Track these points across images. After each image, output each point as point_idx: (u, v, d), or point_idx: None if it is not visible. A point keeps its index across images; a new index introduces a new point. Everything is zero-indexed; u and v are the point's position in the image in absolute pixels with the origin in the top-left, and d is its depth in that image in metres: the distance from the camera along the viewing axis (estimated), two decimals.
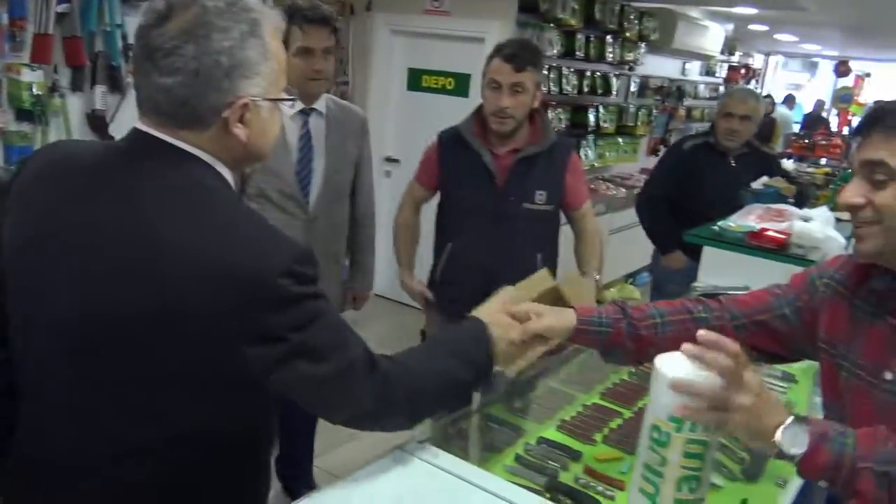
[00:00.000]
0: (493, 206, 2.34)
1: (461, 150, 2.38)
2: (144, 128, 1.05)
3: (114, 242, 1.00)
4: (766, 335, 1.40)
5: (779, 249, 2.43)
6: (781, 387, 2.07)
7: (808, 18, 7.74)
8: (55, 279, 1.03)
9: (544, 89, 4.73)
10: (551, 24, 4.70)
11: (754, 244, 2.47)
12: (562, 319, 1.38)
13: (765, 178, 3.24)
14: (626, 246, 5.20)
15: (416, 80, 4.89)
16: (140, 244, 0.98)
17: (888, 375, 1.18)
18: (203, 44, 0.99)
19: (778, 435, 1.04)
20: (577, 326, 1.38)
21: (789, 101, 10.72)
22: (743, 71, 11.98)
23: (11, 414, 1.11)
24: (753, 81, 13.06)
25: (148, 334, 0.98)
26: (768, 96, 9.95)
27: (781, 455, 1.04)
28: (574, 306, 1.43)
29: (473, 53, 4.46)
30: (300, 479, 2.72)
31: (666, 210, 3.41)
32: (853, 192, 1.17)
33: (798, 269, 2.39)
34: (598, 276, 2.47)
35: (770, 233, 2.46)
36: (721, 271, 2.50)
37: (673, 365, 1.07)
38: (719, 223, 2.63)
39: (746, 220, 2.64)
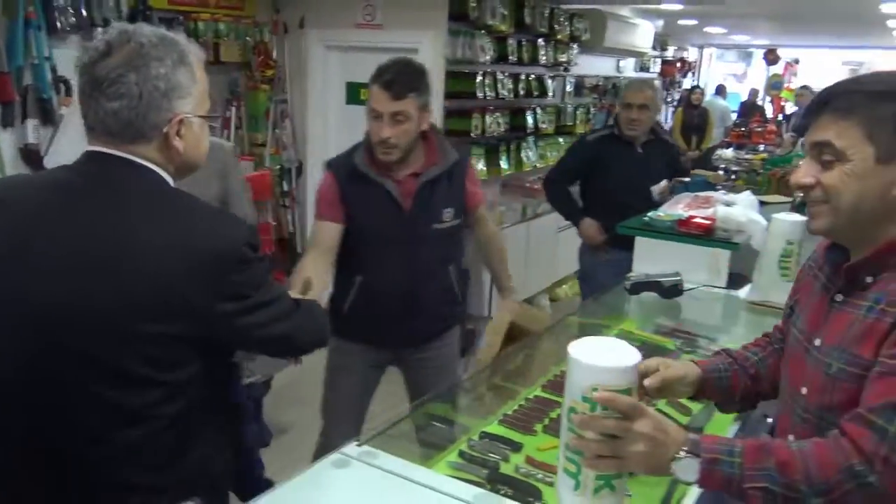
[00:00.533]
0: (402, 233, 2.28)
1: (361, 183, 2.28)
2: (97, 148, 1.23)
3: (98, 243, 1.17)
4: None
5: (705, 235, 2.53)
6: None
7: (732, 11, 8.00)
8: (39, 280, 1.18)
9: (480, 95, 4.82)
10: (482, 31, 4.78)
11: (683, 231, 2.57)
12: (689, 373, 1.49)
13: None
14: (576, 243, 5.30)
15: (354, 93, 4.93)
16: (121, 241, 1.17)
17: (817, 342, 1.26)
18: (143, 72, 1.18)
19: (672, 468, 1.10)
20: (703, 375, 1.48)
21: (721, 91, 11.01)
22: (679, 65, 12.29)
23: None
24: (690, 74, 13.41)
25: (140, 314, 1.16)
26: (697, 87, 10.20)
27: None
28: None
29: None
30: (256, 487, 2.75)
31: (564, 188, 3.65)
32: (804, 173, 1.23)
33: (724, 253, 2.54)
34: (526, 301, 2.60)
35: (697, 219, 2.56)
36: (654, 259, 2.59)
37: (585, 350, 1.13)
38: (649, 214, 2.73)
39: (675, 208, 2.74)
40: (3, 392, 1.21)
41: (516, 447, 1.65)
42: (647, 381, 1.41)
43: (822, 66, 17.70)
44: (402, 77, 2.17)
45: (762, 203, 3.01)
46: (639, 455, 1.10)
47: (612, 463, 1.11)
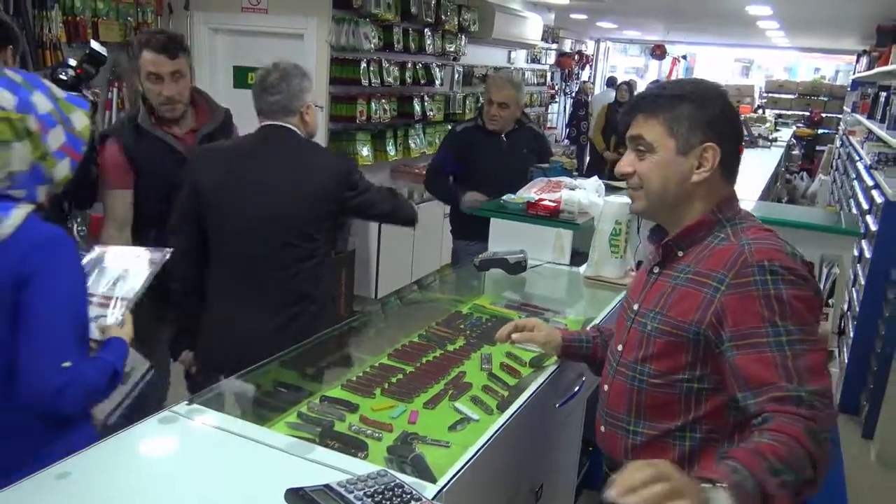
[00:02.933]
0: None
1: (146, 140, 2.44)
2: (267, 122, 2.26)
3: (285, 171, 2.23)
4: None
5: (551, 216, 2.74)
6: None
7: (617, 7, 8.38)
8: (243, 201, 2.21)
9: (364, 82, 4.92)
10: (367, 19, 4.87)
11: (532, 213, 2.77)
12: (553, 337, 1.85)
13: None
14: None
15: (241, 77, 4.93)
16: (297, 168, 2.24)
17: (636, 307, 1.51)
18: (289, 81, 2.24)
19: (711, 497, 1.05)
20: (564, 343, 1.84)
21: (612, 83, 11.49)
22: (576, 57, 12.71)
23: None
24: (588, 67, 13.88)
25: (314, 203, 2.25)
26: (587, 81, 10.61)
27: None
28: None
29: (295, 49, 4.58)
30: None
31: (441, 179, 3.78)
32: (625, 163, 1.47)
33: (567, 233, 2.76)
34: None
35: (545, 202, 2.77)
36: (507, 239, 2.77)
37: None
38: (504, 197, 2.92)
39: (529, 192, 2.95)
40: (250, 255, 2.22)
41: (353, 408, 1.77)
42: (514, 336, 1.85)
43: (716, 62, 18.69)
44: (171, 41, 2.42)
45: (613, 188, 3.26)
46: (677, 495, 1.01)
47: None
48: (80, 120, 1.52)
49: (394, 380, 1.94)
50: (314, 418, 1.72)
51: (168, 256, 1.85)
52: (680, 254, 1.46)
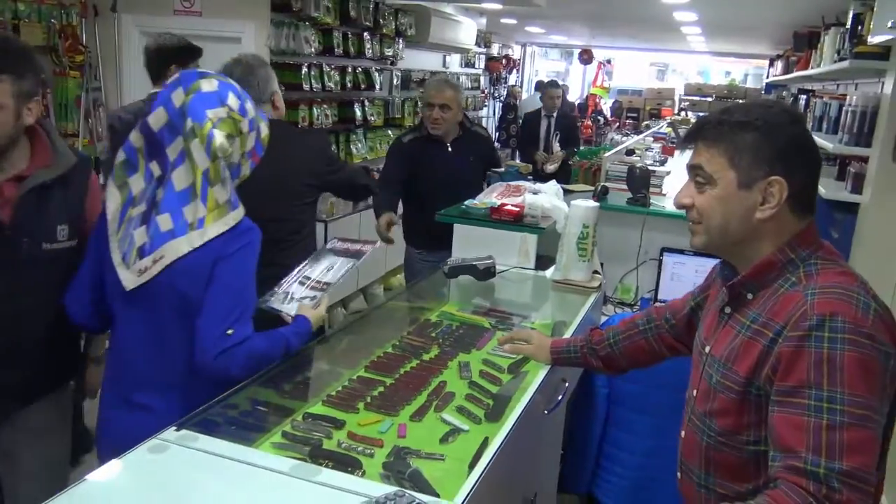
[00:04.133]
0: (1, 252, 1.75)
1: None
2: None
3: (277, 162, 2.12)
4: (690, 328, 1.63)
5: (515, 221, 2.73)
6: None
7: (549, 12, 8.53)
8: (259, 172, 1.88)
9: (306, 87, 4.82)
10: (306, 23, 4.78)
11: (495, 218, 2.76)
12: (542, 350, 1.92)
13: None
14: None
15: None
16: (288, 148, 2.40)
17: (707, 349, 1.40)
18: (255, 72, 2.40)
19: None
20: (553, 356, 1.88)
21: (539, 87, 11.69)
22: (504, 61, 12.85)
23: None
24: (515, 71, 14.07)
25: (302, 177, 2.58)
26: (514, 84, 10.77)
27: None
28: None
29: (232, 54, 4.43)
30: None
31: (389, 194, 3.54)
32: (684, 194, 1.36)
33: (532, 237, 2.76)
34: None
35: (508, 207, 2.76)
36: (470, 245, 2.75)
37: None
38: (466, 202, 2.90)
39: (489, 197, 2.94)
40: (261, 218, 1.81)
41: (339, 424, 1.72)
42: (506, 347, 1.98)
43: (632, 66, 19.29)
44: None
45: (567, 191, 3.29)
46: None
47: None
48: (265, 129, 1.78)
49: (375, 393, 1.91)
50: (301, 437, 1.67)
51: (369, 251, 2.11)
52: (749, 296, 1.33)
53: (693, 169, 1.34)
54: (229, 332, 1.59)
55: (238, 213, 1.69)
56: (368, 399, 1.86)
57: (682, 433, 1.47)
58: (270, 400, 1.85)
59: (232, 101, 1.68)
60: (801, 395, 1.14)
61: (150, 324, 1.69)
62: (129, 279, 1.64)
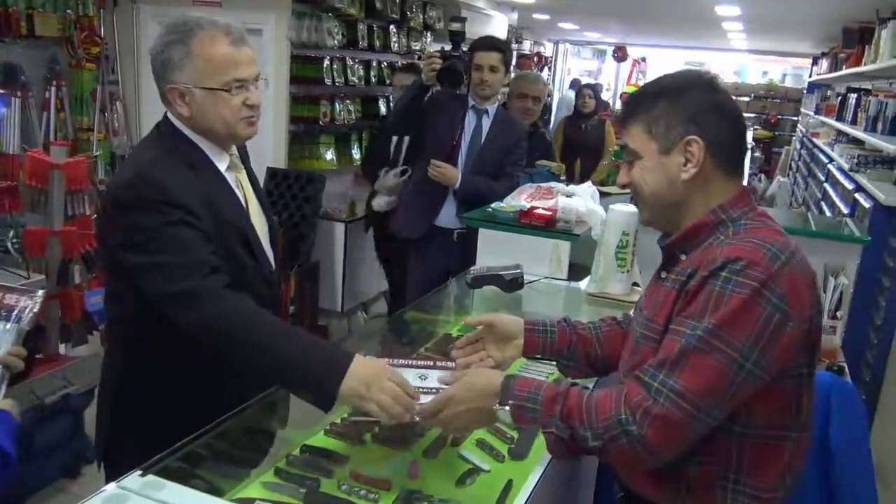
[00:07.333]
0: None
1: None
2: None
3: None
4: None
5: (547, 226, 2.50)
6: None
7: (583, 7, 8.28)
8: None
9: (328, 81, 4.63)
10: (329, 14, 4.58)
11: (524, 222, 2.53)
12: (514, 321, 1.63)
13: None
14: None
15: None
16: None
17: (646, 313, 1.39)
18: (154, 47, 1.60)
19: (498, 418, 1.34)
20: (526, 327, 1.60)
21: (574, 85, 11.42)
22: (535, 59, 12.62)
23: None
24: (546, 69, 13.81)
25: None
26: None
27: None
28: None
29: (254, 46, 4.26)
30: None
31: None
32: (622, 174, 1.41)
33: (565, 244, 2.52)
34: None
35: (539, 210, 2.53)
36: (497, 251, 2.53)
37: None
38: (493, 205, 2.67)
39: (518, 199, 2.70)
40: None
41: (342, 461, 1.51)
42: (460, 361, 1.62)
43: (666, 64, 18.89)
44: None
45: (603, 194, 3.04)
46: (468, 424, 1.42)
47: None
48: None
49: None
50: (296, 476, 1.45)
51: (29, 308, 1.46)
52: (683, 257, 1.36)
53: (623, 150, 1.40)
54: None
55: None
56: (377, 429, 1.64)
57: None
58: (265, 427, 1.64)
59: None
60: (682, 325, 1.21)
61: None
62: None
